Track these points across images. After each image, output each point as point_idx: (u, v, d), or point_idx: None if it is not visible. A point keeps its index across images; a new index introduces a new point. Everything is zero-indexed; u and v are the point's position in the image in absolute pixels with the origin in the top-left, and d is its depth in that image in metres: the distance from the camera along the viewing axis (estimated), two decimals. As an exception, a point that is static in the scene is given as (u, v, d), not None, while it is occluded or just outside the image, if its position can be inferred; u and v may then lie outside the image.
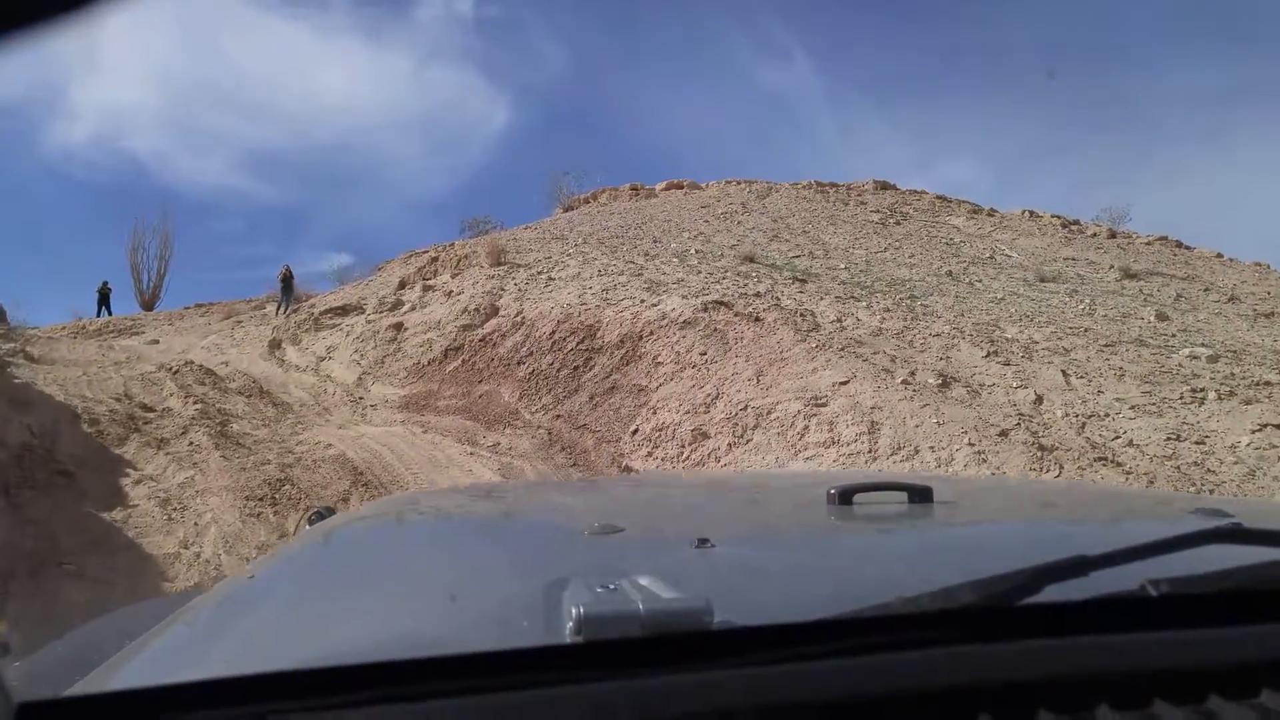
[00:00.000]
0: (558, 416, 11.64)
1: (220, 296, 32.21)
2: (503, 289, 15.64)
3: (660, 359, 11.55)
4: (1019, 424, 8.90)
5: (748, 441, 9.49)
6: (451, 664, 0.63)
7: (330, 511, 2.06)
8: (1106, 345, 11.68)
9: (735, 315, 12.06)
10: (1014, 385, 9.95)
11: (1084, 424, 9.06)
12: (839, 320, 12.08)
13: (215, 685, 0.63)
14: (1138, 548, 0.80)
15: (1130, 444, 8.61)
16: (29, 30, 0.54)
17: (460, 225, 30.27)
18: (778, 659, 0.65)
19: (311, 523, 1.89)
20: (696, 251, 18.87)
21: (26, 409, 10.24)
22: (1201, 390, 9.84)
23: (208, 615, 1.14)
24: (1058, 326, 12.79)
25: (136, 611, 1.71)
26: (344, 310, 21.17)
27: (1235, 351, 12.01)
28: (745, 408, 9.87)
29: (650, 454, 10.00)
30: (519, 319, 14.21)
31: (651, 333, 12.21)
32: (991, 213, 29.60)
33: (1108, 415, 9.25)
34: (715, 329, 11.70)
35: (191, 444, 10.64)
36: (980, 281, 17.27)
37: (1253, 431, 8.72)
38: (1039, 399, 9.62)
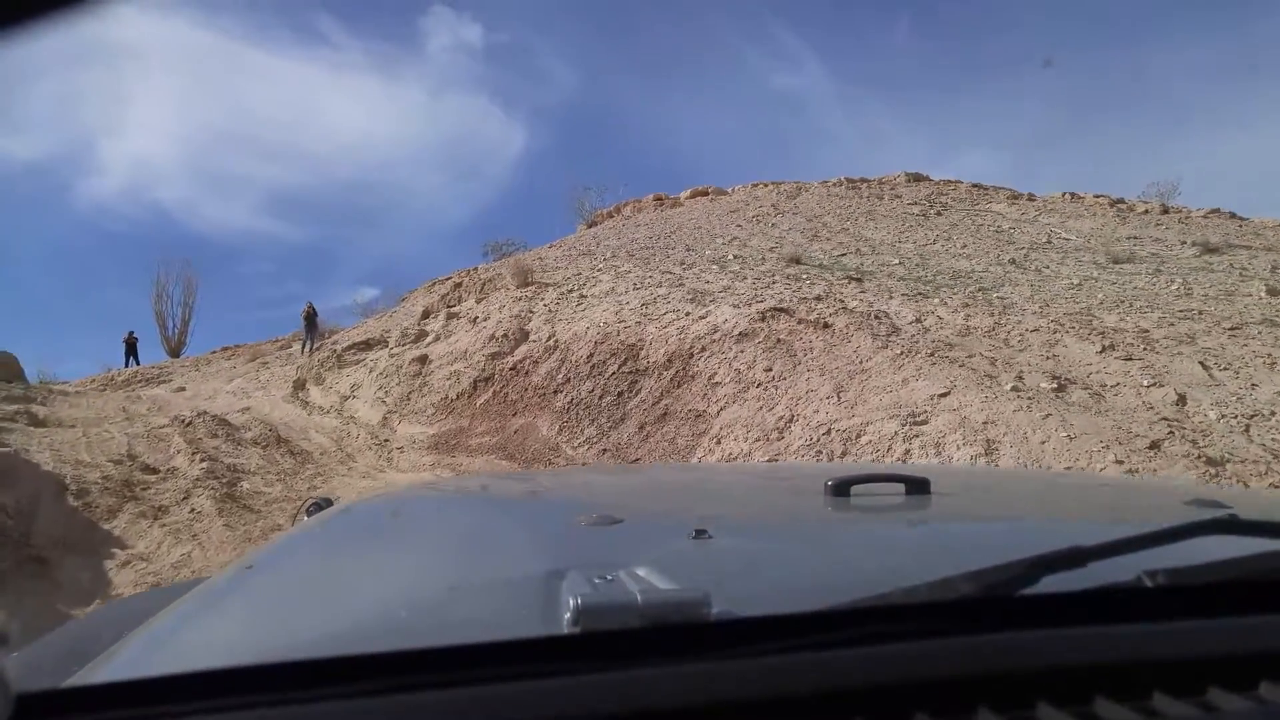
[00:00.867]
0: (604, 450, 9.99)
1: (252, 336, 31.14)
2: (531, 311, 14.04)
3: (718, 378, 9.88)
4: (1170, 431, 7.10)
5: (835, 471, 7.76)
6: (450, 654, 0.62)
7: (328, 502, 1.98)
8: (1233, 329, 9.83)
9: (799, 323, 10.36)
10: (1144, 384, 8.14)
11: (1248, 426, 7.24)
12: (918, 321, 10.33)
13: (213, 676, 0.62)
14: (1134, 538, 0.77)
15: (1318, 449, 6.80)
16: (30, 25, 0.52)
17: (483, 249, 28.84)
18: (775, 650, 0.63)
19: (310, 513, 1.85)
20: (735, 257, 17.20)
21: (5, 483, 8.85)
22: (1375, 374, 8.01)
23: (206, 606, 1.08)
24: (1163, 311, 10.94)
25: (134, 603, 1.71)
26: (367, 345, 19.74)
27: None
28: (828, 431, 8.15)
29: (717, 491, 8.32)
30: (552, 343, 12.59)
31: (703, 349, 10.54)
32: (1031, 197, 27.75)
33: (1274, 413, 7.43)
34: (778, 340, 10.00)
35: (193, 511, 9.11)
36: (1048, 268, 15.42)
37: None
38: (1181, 399, 7.82)
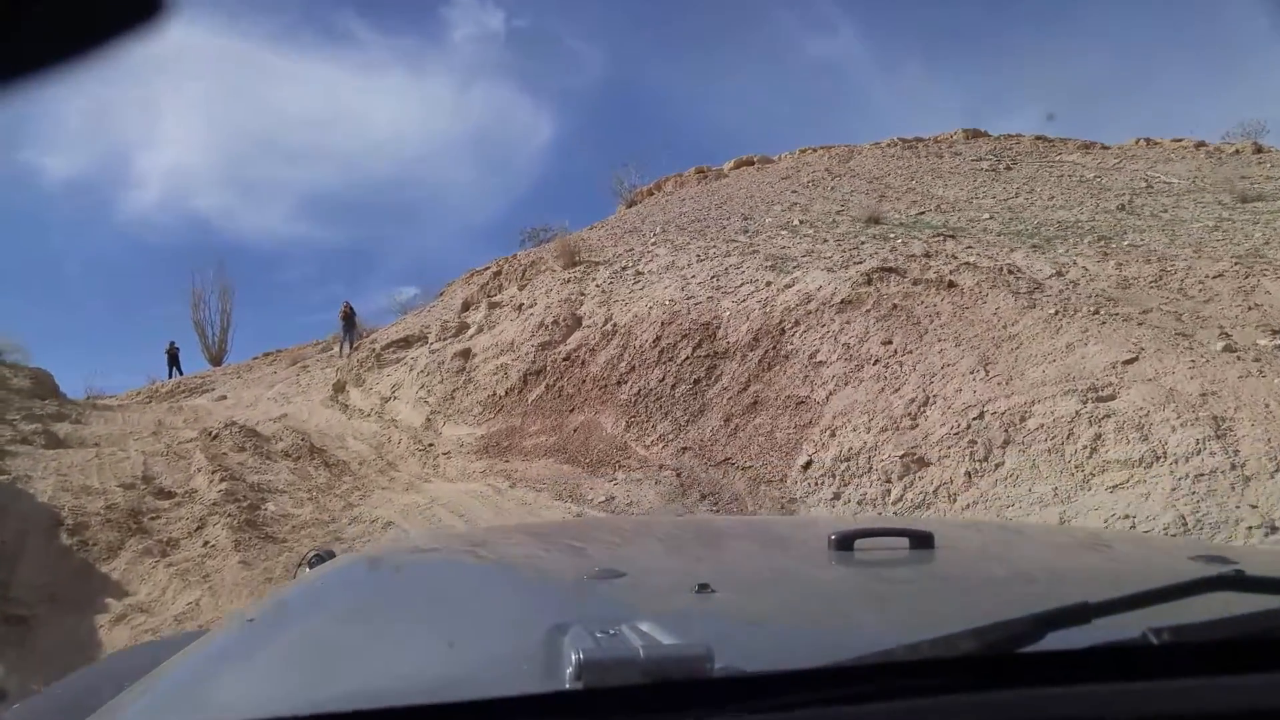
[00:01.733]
0: (684, 449, 8.19)
1: (294, 340, 30.07)
2: (583, 293, 12.25)
3: (821, 356, 8.01)
4: None
5: (997, 466, 5.87)
6: (452, 710, 0.62)
7: (329, 554, 1.90)
8: None
9: (914, 284, 8.43)
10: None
11: None
12: (1059, 274, 8.35)
13: None
14: (1139, 595, 0.76)
15: None
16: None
17: (520, 236, 27.14)
18: (778, 706, 0.62)
19: (311, 565, 1.79)
20: (801, 221, 15.25)
21: (-10, 522, 7.37)
22: None
23: (205, 660, 1.08)
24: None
25: (133, 656, 1.67)
26: (407, 342, 18.17)
27: None
28: (980, 414, 6.25)
29: (838, 494, 6.47)
30: (609, 327, 10.80)
31: (797, 322, 8.67)
32: (1104, 146, 25.29)
33: None
34: (893, 305, 8.09)
35: (206, 544, 7.49)
36: (1166, 212, 13.25)
37: None
38: None
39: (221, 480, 9.13)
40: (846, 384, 7.45)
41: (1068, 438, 5.74)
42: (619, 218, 23.54)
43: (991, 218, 14.07)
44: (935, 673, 0.67)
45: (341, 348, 24.07)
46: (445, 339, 14.54)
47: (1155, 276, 8.00)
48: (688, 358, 9.20)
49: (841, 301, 8.49)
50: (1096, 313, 7.02)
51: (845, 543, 1.30)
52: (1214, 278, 7.69)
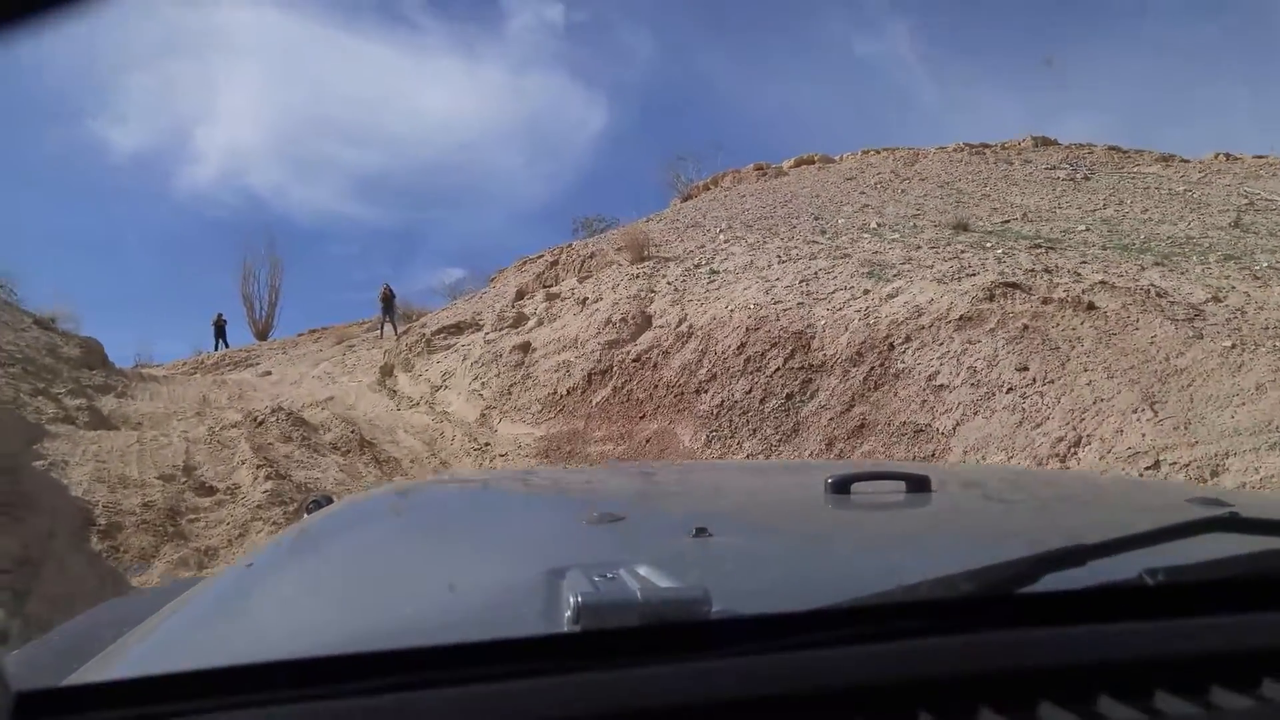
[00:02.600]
0: (774, 472, 7.25)
1: (339, 318, 29.58)
2: (653, 290, 11.29)
3: (941, 379, 7.00)
4: None
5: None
6: (449, 653, 0.60)
7: (329, 500, 1.90)
8: None
9: (1044, 303, 7.36)
10: None
11: None
12: (1217, 299, 7.23)
13: (212, 674, 0.59)
14: (1135, 536, 0.74)
15: None
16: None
17: (573, 226, 26.28)
18: (776, 648, 0.61)
19: (310, 510, 1.79)
20: (878, 225, 14.18)
21: (17, 516, 6.64)
22: None
23: (205, 604, 1.07)
24: None
25: (134, 601, 1.65)
26: (458, 328, 17.37)
27: None
28: (1155, 464, 5.21)
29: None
30: (685, 329, 9.84)
31: (907, 337, 7.65)
32: (1185, 160, 23.86)
33: None
34: (1024, 326, 7.03)
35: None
36: (1287, 231, 12.01)
37: None
38: None
39: (267, 478, 8.31)
40: (976, 413, 6.43)
41: None
42: (676, 211, 22.54)
43: (1088, 229, 12.89)
44: (933, 614, 0.65)
45: (383, 329, 23.46)
46: (501, 329, 13.68)
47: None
48: (778, 369, 8.23)
49: (960, 318, 7.45)
50: (1285, 348, 5.93)
51: (842, 486, 1.27)
52: None
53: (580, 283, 14.17)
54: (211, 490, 8.18)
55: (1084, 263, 9.10)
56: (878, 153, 26.09)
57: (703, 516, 1.07)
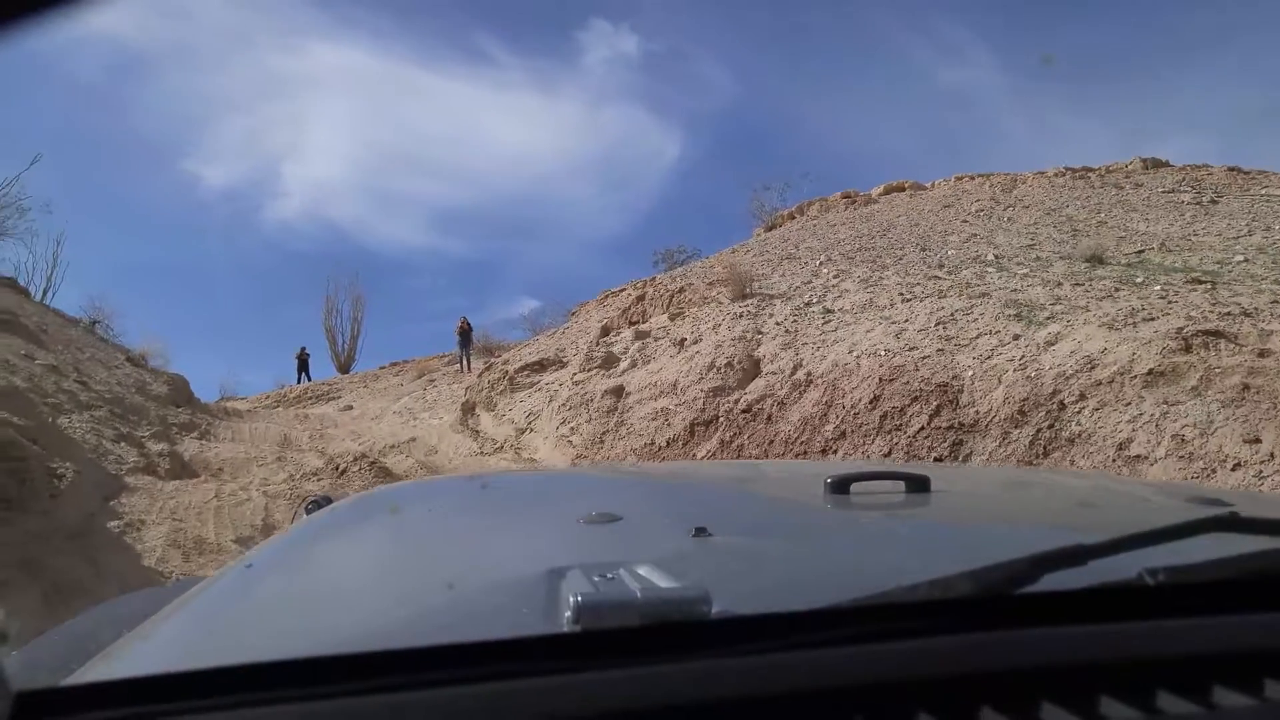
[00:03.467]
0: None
1: (418, 349, 29.43)
2: (760, 331, 10.26)
3: (1136, 448, 5.76)
4: None
5: None
6: (449, 653, 0.59)
7: (328, 500, 1.85)
8: None
9: (1260, 355, 6.07)
10: None
11: None
12: None
13: (211, 674, 0.59)
14: (1135, 536, 0.73)
15: None
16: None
17: (653, 258, 25.45)
18: (776, 648, 0.60)
19: (309, 511, 1.76)
20: (995, 256, 12.89)
21: (84, 599, 5.96)
22: None
23: (205, 604, 1.03)
24: None
25: (135, 600, 1.63)
26: (541, 366, 16.62)
27: None
28: None
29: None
30: (802, 377, 8.77)
31: (1081, 395, 6.43)
32: (1316, 180, 21.78)
33: None
34: (1242, 386, 5.75)
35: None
36: None
37: None
38: None
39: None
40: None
41: None
42: (762, 241, 21.50)
43: (1245, 260, 11.39)
44: (932, 614, 0.64)
45: (462, 364, 23.06)
46: (590, 369, 12.81)
47: None
48: (922, 428, 7.10)
49: (1149, 373, 6.22)
50: None
51: (841, 486, 1.26)
52: None
53: (672, 320, 13.23)
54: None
55: (1276, 302, 7.73)
56: (971, 179, 24.65)
57: (702, 516, 1.06)
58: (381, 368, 28.46)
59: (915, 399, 7.35)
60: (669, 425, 9.74)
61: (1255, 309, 7.31)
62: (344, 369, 30.67)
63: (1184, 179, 22.08)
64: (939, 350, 7.88)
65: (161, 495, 8.83)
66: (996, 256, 13.13)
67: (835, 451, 7.52)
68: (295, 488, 9.52)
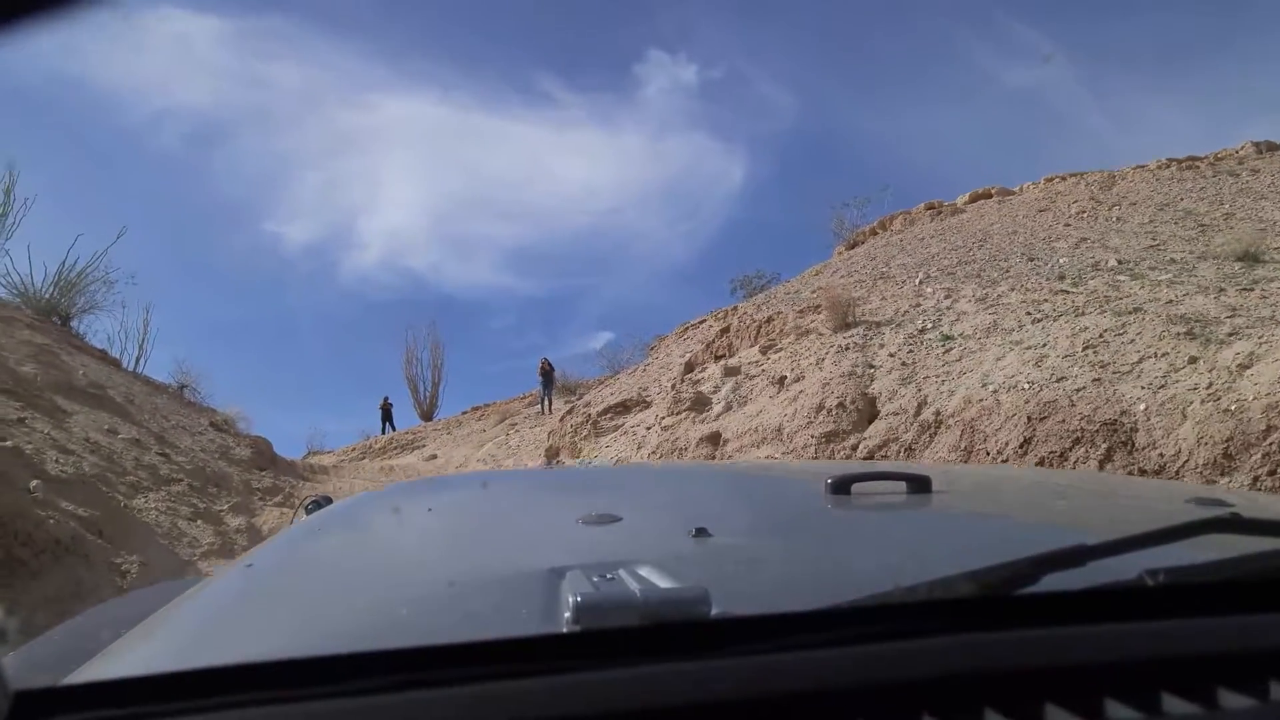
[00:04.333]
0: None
1: (498, 389, 29.14)
2: (871, 365, 9.13)
3: None
4: None
5: None
6: (449, 652, 0.58)
7: (328, 500, 1.85)
8: None
9: None
10: None
11: None
12: None
13: (211, 673, 0.58)
14: (1136, 537, 0.72)
15: None
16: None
17: (731, 285, 24.38)
18: (775, 648, 0.59)
19: (309, 511, 1.73)
20: (1120, 263, 11.46)
21: None
22: None
23: (205, 604, 1.04)
24: None
25: (135, 600, 1.60)
26: (625, 407, 15.77)
27: None
28: None
29: None
30: (929, 417, 7.61)
31: (1308, 435, 5.18)
32: None
33: None
34: None
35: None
36: None
37: None
38: None
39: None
40: None
41: None
42: (845, 261, 20.26)
43: None
44: (932, 615, 0.64)
45: (543, 404, 22.54)
46: (679, 412, 11.85)
47: None
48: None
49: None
50: None
51: (842, 486, 1.25)
52: None
53: (764, 354, 12.18)
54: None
55: None
56: (1063, 179, 22.91)
57: (703, 517, 1.04)
58: (464, 413, 28.13)
59: (1077, 441, 6.14)
60: (775, 475, 8.69)
61: None
62: (427, 416, 30.47)
63: (1307, 161, 20.02)
64: (1094, 380, 6.64)
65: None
66: (1120, 262, 11.70)
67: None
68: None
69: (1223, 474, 5.30)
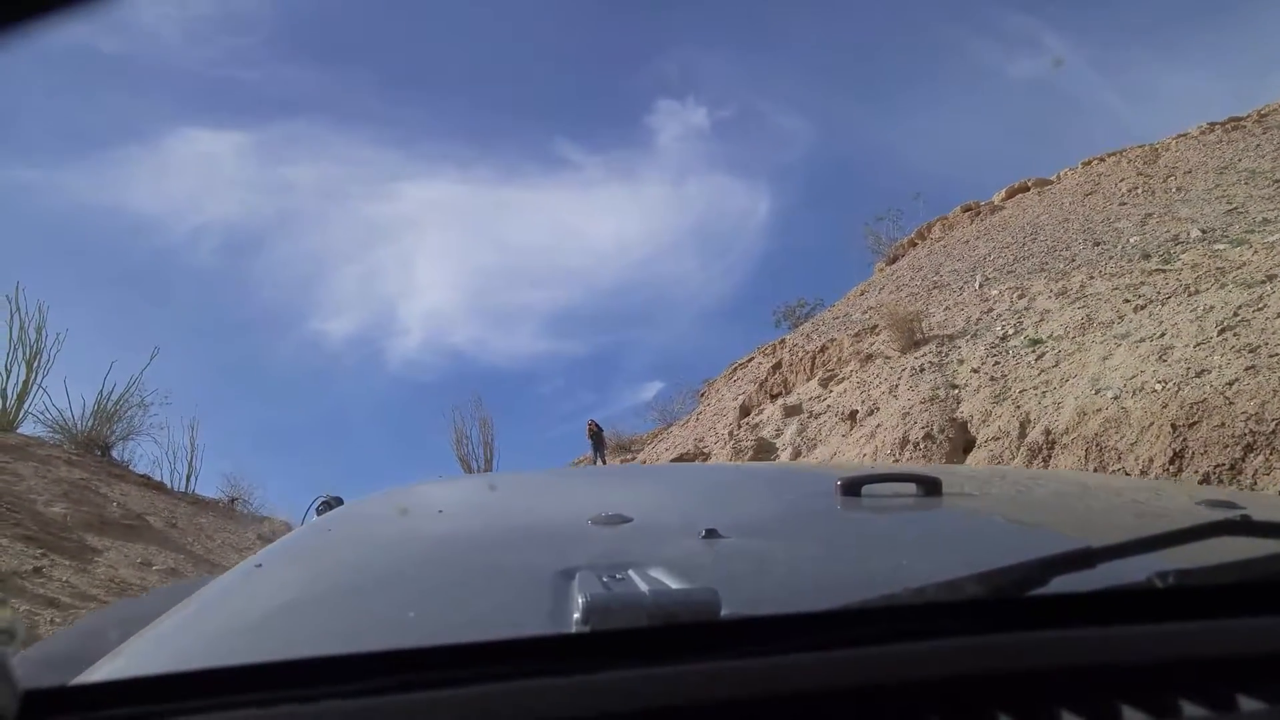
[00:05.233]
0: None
1: (551, 456, 28.15)
2: (954, 385, 7.91)
3: None
4: None
5: None
6: (457, 653, 0.57)
7: (339, 501, 1.78)
8: None
9: None
10: None
11: None
12: None
13: (220, 674, 0.57)
14: (1145, 539, 0.71)
15: None
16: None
17: (774, 318, 23.28)
18: (785, 649, 0.58)
19: (319, 512, 1.69)
20: (1205, 231, 10.14)
21: None
22: None
23: (214, 604, 1.00)
24: None
25: (144, 601, 1.60)
26: (682, 462, 14.74)
27: None
28: None
29: None
30: (1038, 438, 6.36)
31: None
32: None
33: None
34: None
35: None
36: None
37: None
38: None
39: None
40: None
41: None
42: (890, 276, 19.03)
43: None
44: (942, 616, 0.62)
45: (596, 465, 21.64)
46: (741, 462, 10.73)
47: None
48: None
49: None
50: None
51: (853, 488, 1.24)
52: None
53: (824, 386, 11.01)
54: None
55: None
56: (1102, 160, 21.54)
57: (713, 517, 1.03)
58: (519, 485, 27.19)
59: (1250, 448, 4.87)
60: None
61: None
62: (483, 493, 29.57)
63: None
64: (1248, 369, 5.37)
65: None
66: (1204, 231, 10.39)
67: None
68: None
69: None
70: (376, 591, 0.91)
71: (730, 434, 12.35)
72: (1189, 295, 6.96)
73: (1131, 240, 11.54)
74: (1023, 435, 6.52)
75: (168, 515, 13.20)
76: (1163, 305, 7.05)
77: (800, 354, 13.15)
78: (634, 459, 17.07)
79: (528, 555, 1.00)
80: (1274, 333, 5.60)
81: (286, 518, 15.93)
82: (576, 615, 0.63)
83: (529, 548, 1.07)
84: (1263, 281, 6.48)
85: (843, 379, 10.50)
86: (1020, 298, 9.26)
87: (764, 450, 10.33)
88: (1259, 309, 6.00)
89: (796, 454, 9.30)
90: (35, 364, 12.63)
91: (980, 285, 11.42)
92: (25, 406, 12.29)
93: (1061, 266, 10.96)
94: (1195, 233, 10.44)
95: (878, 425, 8.05)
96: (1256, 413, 4.98)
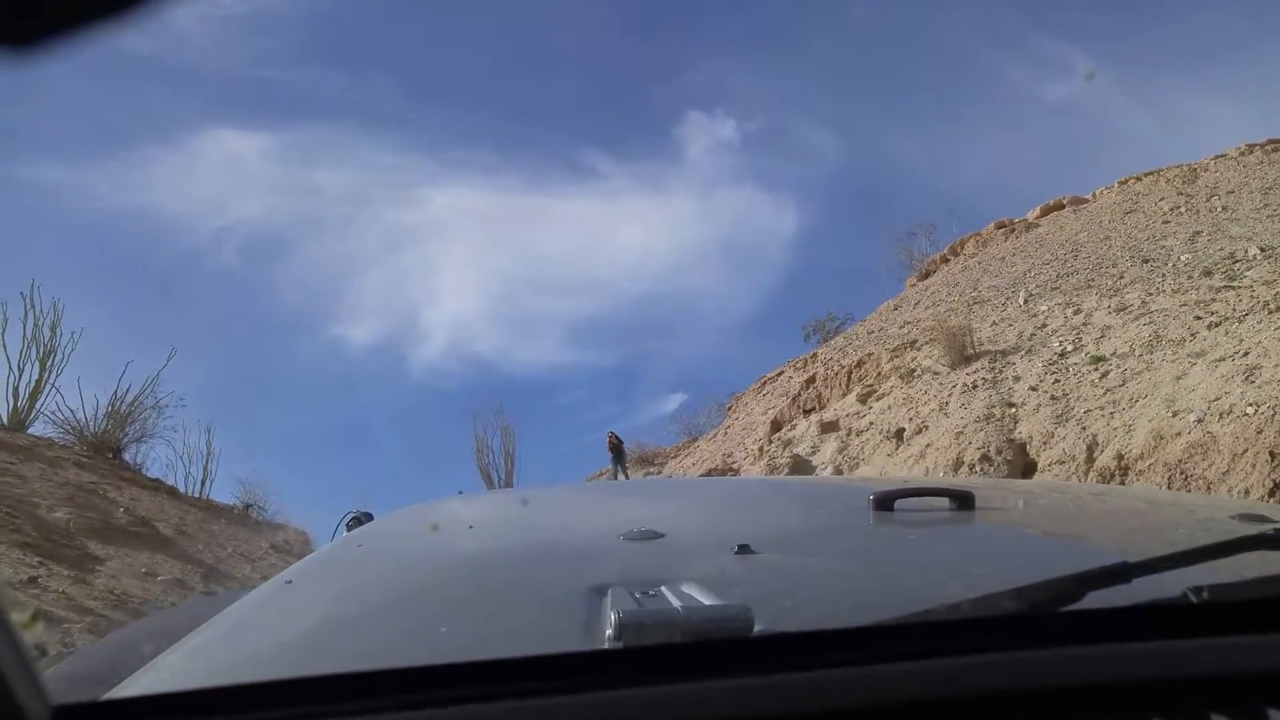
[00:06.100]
0: None
1: (574, 468, 27.68)
2: (1010, 403, 7.48)
3: None
4: None
5: None
6: (490, 669, 0.57)
7: (369, 516, 1.74)
8: None
9: None
10: None
11: None
12: None
13: (250, 689, 0.56)
14: (1180, 554, 0.70)
15: None
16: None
17: (804, 332, 22.87)
18: (817, 665, 0.57)
19: (349, 527, 1.64)
20: (1263, 249, 9.71)
21: None
22: None
23: (245, 620, 0.98)
24: None
25: (174, 615, 1.53)
26: (710, 477, 14.33)
27: None
28: None
29: None
30: (1109, 463, 5.93)
31: None
32: None
33: None
34: None
35: None
36: None
37: None
38: None
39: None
40: None
41: None
42: (922, 292, 18.59)
43: None
44: (976, 632, 0.62)
45: (616, 479, 21.27)
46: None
47: None
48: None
49: None
50: None
51: (886, 503, 1.22)
52: None
53: (863, 402, 10.59)
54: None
55: None
56: (1139, 179, 21.06)
57: (746, 533, 1.02)
58: (537, 496, 26.79)
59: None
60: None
61: None
62: (501, 504, 29.19)
63: None
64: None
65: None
66: (1263, 249, 9.94)
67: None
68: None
69: None
70: (408, 608, 0.90)
71: (761, 449, 11.94)
72: (1269, 313, 6.53)
73: (1183, 258, 11.09)
74: (1090, 459, 6.10)
75: (177, 521, 12.85)
76: (1240, 323, 6.62)
77: (835, 368, 12.73)
78: (657, 472, 16.67)
79: (560, 571, 0.99)
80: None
81: (302, 526, 15.54)
82: (610, 631, 0.62)
83: (561, 563, 1.06)
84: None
85: (883, 394, 10.08)
86: (1075, 313, 8.83)
87: (799, 467, 9.91)
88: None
89: (838, 473, 8.89)
90: (49, 362, 12.32)
91: (1025, 301, 10.99)
92: (37, 406, 11.96)
93: (1110, 283, 10.52)
94: (1253, 251, 9.99)
95: (927, 445, 7.63)
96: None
